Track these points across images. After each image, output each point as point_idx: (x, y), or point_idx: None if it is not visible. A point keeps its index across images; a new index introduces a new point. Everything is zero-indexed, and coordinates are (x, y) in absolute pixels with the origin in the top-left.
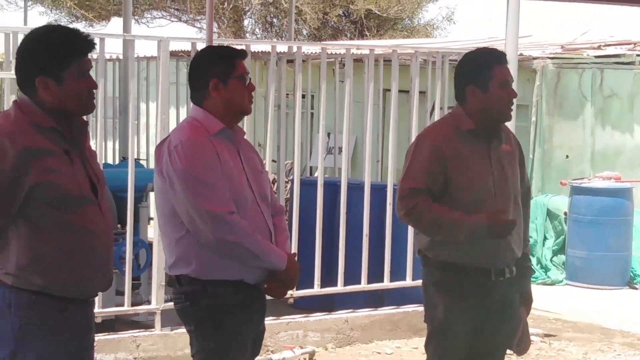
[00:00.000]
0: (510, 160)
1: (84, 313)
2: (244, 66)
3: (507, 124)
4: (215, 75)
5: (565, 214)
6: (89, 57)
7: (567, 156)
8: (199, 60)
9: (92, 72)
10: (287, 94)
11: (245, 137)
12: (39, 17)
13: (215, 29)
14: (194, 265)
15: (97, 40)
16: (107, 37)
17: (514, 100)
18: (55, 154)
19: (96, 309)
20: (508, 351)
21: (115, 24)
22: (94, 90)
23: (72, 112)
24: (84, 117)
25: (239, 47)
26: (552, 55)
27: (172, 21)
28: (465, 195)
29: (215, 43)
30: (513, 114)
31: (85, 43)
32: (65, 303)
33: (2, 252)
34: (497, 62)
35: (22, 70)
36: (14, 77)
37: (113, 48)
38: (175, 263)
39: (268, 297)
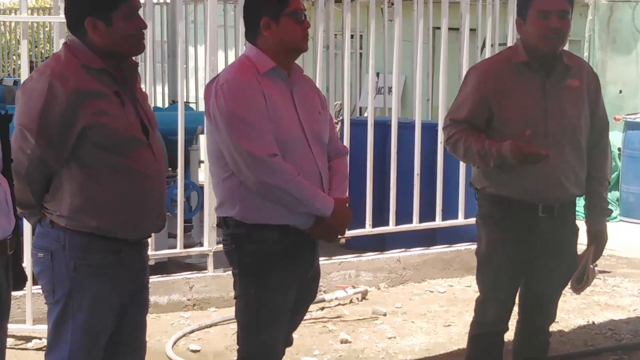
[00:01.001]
0: (574, 96)
1: (138, 254)
2: (298, 2)
3: None
4: (267, 13)
5: (619, 149)
6: None
7: (620, 91)
8: None
9: (140, 15)
10: (336, 35)
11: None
12: None
13: None
14: (238, 207)
15: None
16: None
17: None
18: (106, 95)
19: (149, 252)
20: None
21: None
22: (144, 31)
23: (122, 53)
24: (134, 59)
25: None
26: None
27: None
28: (511, 128)
29: None
30: (565, 48)
31: None
32: (119, 244)
33: (55, 194)
34: None
35: (71, 12)
36: (63, 21)
37: None
38: (221, 204)
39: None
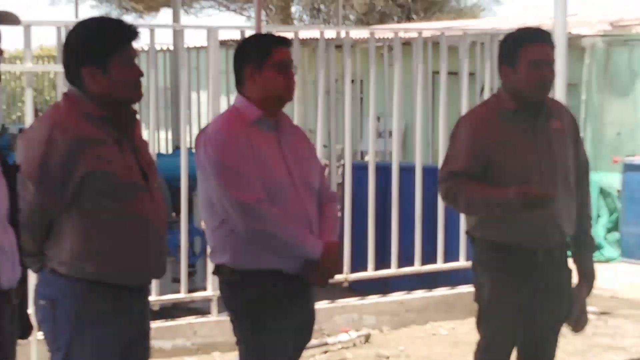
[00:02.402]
0: (560, 138)
1: (139, 300)
2: (284, 53)
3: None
4: (250, 63)
5: (618, 191)
6: (136, 46)
7: (618, 133)
8: (238, 48)
9: (142, 64)
10: (336, 80)
11: (295, 123)
12: (90, 10)
13: (263, 17)
14: (230, 254)
15: (146, 31)
16: (157, 27)
17: (564, 79)
18: (105, 143)
19: (153, 297)
20: (564, 328)
21: (165, 15)
22: (142, 79)
23: (119, 100)
24: (133, 106)
25: (284, 34)
26: (601, 33)
27: (221, 10)
28: (508, 176)
29: (264, 30)
30: (563, 92)
31: (129, 31)
32: (120, 291)
33: (56, 241)
34: (528, 41)
35: (68, 61)
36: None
37: (163, 39)
38: (213, 251)
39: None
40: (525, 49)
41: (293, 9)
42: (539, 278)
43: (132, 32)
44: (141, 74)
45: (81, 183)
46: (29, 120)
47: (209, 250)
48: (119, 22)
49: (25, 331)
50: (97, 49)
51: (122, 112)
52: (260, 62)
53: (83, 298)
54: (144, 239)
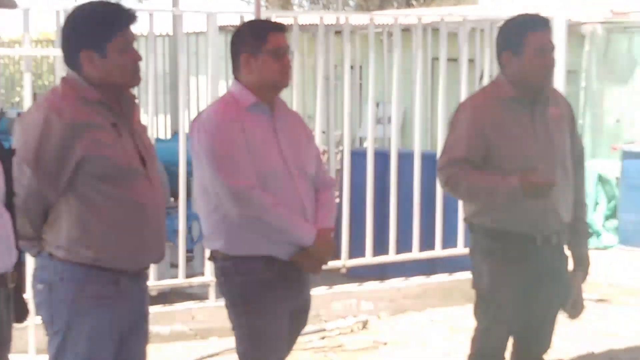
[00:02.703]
0: (558, 124)
1: (137, 285)
2: (280, 40)
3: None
4: (246, 50)
5: (616, 178)
6: (134, 31)
7: (617, 120)
8: (234, 35)
9: (141, 49)
10: (336, 66)
11: (294, 108)
12: None
13: (262, 2)
14: (223, 240)
15: (145, 16)
16: (156, 12)
17: (563, 65)
18: (102, 127)
19: (151, 282)
20: (562, 314)
21: (164, 0)
22: (140, 63)
23: (117, 85)
24: (132, 91)
25: (283, 20)
26: (601, 20)
27: None
28: (508, 163)
29: (263, 16)
30: (562, 79)
31: (127, 15)
32: (117, 275)
33: (53, 226)
34: (532, 29)
35: (66, 45)
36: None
37: (162, 24)
38: (207, 237)
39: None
40: (531, 36)
41: None
42: (537, 264)
43: (130, 16)
44: (139, 58)
45: (78, 167)
46: (27, 104)
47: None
48: (117, 6)
49: (21, 315)
50: (95, 33)
51: (120, 96)
52: (256, 48)
53: (80, 282)
54: (142, 224)
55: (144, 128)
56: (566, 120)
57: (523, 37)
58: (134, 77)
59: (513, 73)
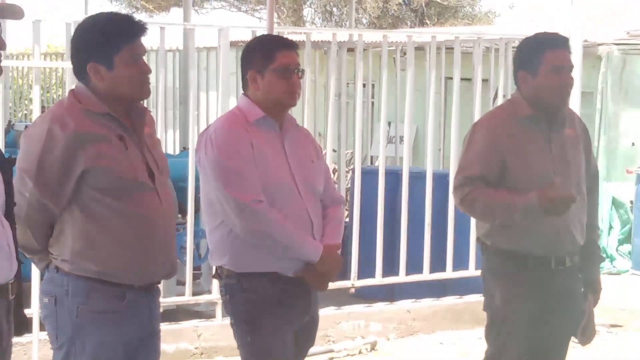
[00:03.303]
0: (573, 145)
1: (147, 300)
2: (289, 58)
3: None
4: (254, 67)
5: (631, 202)
6: (144, 43)
7: (632, 144)
8: (244, 49)
9: (152, 63)
10: (348, 84)
11: (304, 125)
12: (99, 9)
13: (275, 19)
14: (228, 256)
15: (156, 30)
16: (168, 26)
17: (578, 87)
18: (107, 139)
19: None
20: (573, 341)
21: (175, 15)
22: (149, 76)
23: (125, 97)
24: (144, 103)
25: (296, 36)
26: (617, 42)
27: (232, 11)
28: (523, 182)
29: (276, 32)
30: (577, 101)
31: (135, 27)
32: (123, 290)
33: (58, 238)
34: (549, 47)
35: (75, 58)
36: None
37: (173, 39)
38: (212, 253)
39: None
40: (547, 54)
41: (305, 11)
42: (550, 287)
43: (139, 28)
44: (149, 71)
45: (81, 179)
46: (36, 117)
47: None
48: (127, 18)
49: (21, 328)
50: (102, 45)
51: (129, 108)
52: (263, 66)
53: (85, 295)
54: (148, 238)
55: (157, 141)
56: (582, 142)
57: (540, 55)
58: (143, 90)
59: (529, 92)
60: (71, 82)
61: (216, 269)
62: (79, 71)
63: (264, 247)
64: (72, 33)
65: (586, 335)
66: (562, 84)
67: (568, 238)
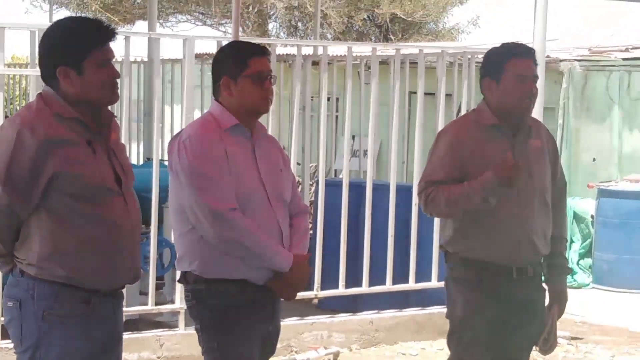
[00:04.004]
0: (538, 156)
1: (111, 305)
2: (262, 64)
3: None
4: (226, 73)
5: (592, 217)
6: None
7: (594, 159)
8: (216, 55)
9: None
10: (312, 97)
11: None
12: None
13: (240, 33)
14: (197, 262)
15: (122, 39)
16: (133, 35)
17: (541, 102)
18: (76, 144)
19: None
20: (534, 352)
21: (140, 27)
22: (117, 81)
23: (94, 102)
24: (111, 109)
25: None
26: (579, 58)
27: (197, 25)
28: None
29: None
30: (540, 116)
31: (104, 31)
32: (89, 294)
33: (24, 243)
34: (514, 56)
35: (44, 62)
36: (38, 74)
37: (137, 50)
38: (181, 258)
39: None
40: (512, 62)
41: (270, 25)
42: (512, 296)
43: (109, 33)
44: (117, 76)
45: (50, 184)
46: None
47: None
48: (95, 22)
49: None
50: (72, 49)
51: (97, 114)
52: (236, 72)
53: (51, 299)
54: (115, 243)
55: (123, 147)
56: (548, 154)
57: (504, 64)
58: (112, 95)
59: (494, 99)
60: (35, 93)
61: (182, 274)
62: (48, 75)
63: (236, 254)
64: (37, 41)
65: (548, 345)
66: (525, 92)
67: (530, 248)
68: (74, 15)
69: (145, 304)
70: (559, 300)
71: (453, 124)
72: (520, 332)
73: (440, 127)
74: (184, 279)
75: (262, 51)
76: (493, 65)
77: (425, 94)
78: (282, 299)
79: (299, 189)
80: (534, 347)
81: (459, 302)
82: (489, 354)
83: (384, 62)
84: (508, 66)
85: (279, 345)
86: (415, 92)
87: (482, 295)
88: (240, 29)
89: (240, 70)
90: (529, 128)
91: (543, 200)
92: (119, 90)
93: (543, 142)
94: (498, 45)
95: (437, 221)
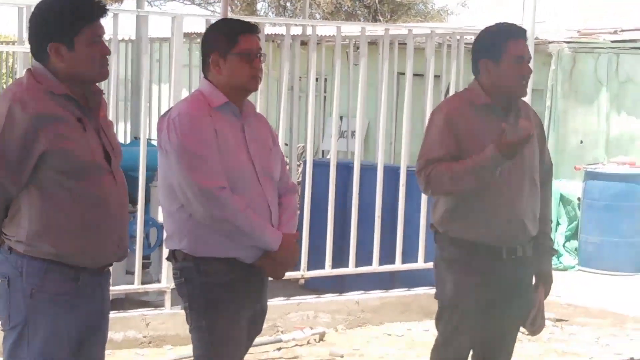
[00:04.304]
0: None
1: (99, 282)
2: (251, 42)
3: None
4: (216, 50)
5: (578, 199)
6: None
7: (581, 141)
8: (206, 32)
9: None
10: (300, 77)
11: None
12: None
13: (228, 13)
14: (187, 240)
15: (110, 17)
16: (121, 12)
17: (529, 84)
18: (67, 120)
19: None
20: (521, 332)
21: (128, 6)
22: (107, 58)
23: (85, 78)
24: (100, 86)
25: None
26: (568, 40)
27: (185, 4)
28: None
29: None
30: (528, 97)
31: (96, 8)
32: (78, 272)
33: (13, 219)
34: (512, 37)
35: (34, 38)
36: (27, 51)
37: (125, 30)
38: (169, 236)
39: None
40: (510, 43)
41: (259, 5)
42: (501, 276)
43: (100, 9)
44: (108, 52)
45: (40, 160)
46: None
47: (165, 236)
48: None
49: None
50: (63, 25)
51: (86, 91)
52: (225, 50)
53: (40, 277)
54: (104, 220)
55: (110, 124)
56: (537, 135)
57: (502, 44)
58: (102, 71)
59: (490, 80)
60: (23, 70)
61: (171, 252)
62: (38, 51)
63: (225, 233)
64: (24, 17)
65: (535, 326)
66: (523, 73)
67: (520, 228)
68: None
69: (131, 283)
70: (545, 281)
71: (446, 102)
72: (508, 312)
73: (428, 108)
74: (173, 256)
75: (252, 28)
76: (490, 45)
77: (414, 75)
78: (269, 278)
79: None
80: (521, 328)
81: (449, 282)
82: (477, 334)
83: (373, 43)
84: (506, 47)
85: (265, 325)
86: (403, 73)
87: (473, 275)
88: (229, 9)
89: (230, 48)
90: (518, 109)
91: (532, 181)
92: (108, 67)
93: (532, 123)
94: (491, 25)
95: (423, 203)
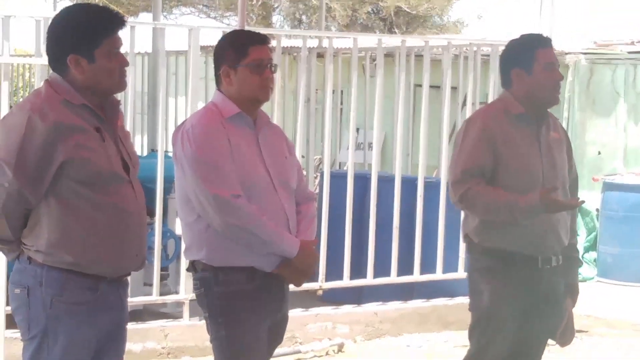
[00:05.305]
0: (558, 148)
1: (117, 292)
2: (261, 53)
3: None
4: (226, 62)
5: (597, 210)
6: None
7: (599, 152)
8: (217, 44)
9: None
10: (317, 90)
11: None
12: None
13: (245, 26)
14: (205, 250)
15: (127, 29)
16: (138, 24)
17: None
18: (86, 131)
19: None
20: (549, 344)
21: (144, 20)
22: (125, 69)
23: (104, 90)
24: (117, 97)
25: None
26: (585, 51)
27: (201, 17)
28: (513, 180)
29: None
30: None
31: (115, 20)
32: (97, 281)
33: (33, 229)
34: (540, 45)
35: (54, 49)
36: (45, 63)
37: (141, 43)
38: (188, 247)
39: (295, 288)
40: (539, 52)
41: (274, 18)
42: (536, 286)
43: (119, 21)
44: (126, 64)
45: (60, 171)
46: (3, 113)
47: (183, 247)
48: (105, 11)
49: None
50: (84, 38)
51: (104, 101)
52: (235, 61)
53: (59, 287)
54: (123, 230)
55: (128, 134)
56: (564, 145)
57: (533, 53)
58: (121, 82)
59: (523, 89)
60: (40, 82)
61: (190, 263)
62: (57, 63)
63: (243, 241)
64: (42, 30)
65: (565, 336)
66: (555, 80)
67: (555, 238)
68: (80, 2)
69: (150, 295)
70: (572, 292)
71: (481, 112)
72: (540, 322)
73: (445, 119)
74: (192, 267)
75: (262, 39)
76: (521, 55)
77: (430, 87)
78: (289, 287)
79: None
80: (550, 339)
81: (486, 293)
82: (509, 345)
83: (389, 55)
84: (537, 56)
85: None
86: (420, 85)
87: (509, 285)
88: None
89: (240, 59)
90: (549, 120)
91: (565, 191)
92: (126, 79)
93: (560, 134)
94: (518, 36)
95: (441, 214)
